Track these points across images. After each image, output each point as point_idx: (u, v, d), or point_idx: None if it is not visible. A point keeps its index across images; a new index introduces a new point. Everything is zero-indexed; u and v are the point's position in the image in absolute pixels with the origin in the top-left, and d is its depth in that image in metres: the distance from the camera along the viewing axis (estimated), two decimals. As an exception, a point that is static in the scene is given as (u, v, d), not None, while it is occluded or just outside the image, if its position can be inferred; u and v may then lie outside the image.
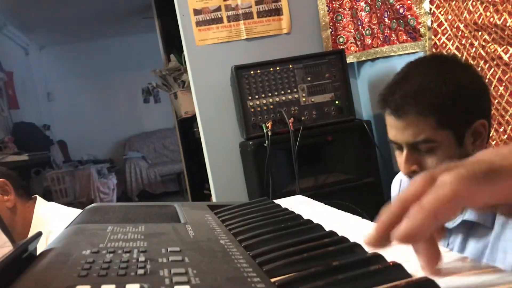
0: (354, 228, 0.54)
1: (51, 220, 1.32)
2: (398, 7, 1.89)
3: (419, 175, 0.34)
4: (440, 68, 0.92)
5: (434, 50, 1.73)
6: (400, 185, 1.11)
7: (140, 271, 0.34)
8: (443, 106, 0.86)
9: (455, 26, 1.62)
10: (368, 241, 0.33)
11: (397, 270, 0.35)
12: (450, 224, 0.89)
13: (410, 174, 0.90)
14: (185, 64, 2.43)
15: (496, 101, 1.48)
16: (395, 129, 0.90)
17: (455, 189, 0.30)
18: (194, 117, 2.69)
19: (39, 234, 0.45)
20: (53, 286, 0.32)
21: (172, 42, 3.65)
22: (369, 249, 0.40)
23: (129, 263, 0.36)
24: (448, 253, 0.40)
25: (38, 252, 0.42)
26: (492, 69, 1.47)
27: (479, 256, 0.84)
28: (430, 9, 1.73)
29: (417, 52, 1.84)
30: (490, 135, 1.56)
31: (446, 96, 0.86)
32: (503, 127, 1.49)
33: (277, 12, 2.24)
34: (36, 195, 1.43)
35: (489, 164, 0.31)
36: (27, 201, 1.37)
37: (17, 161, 4.63)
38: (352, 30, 2.25)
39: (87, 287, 0.31)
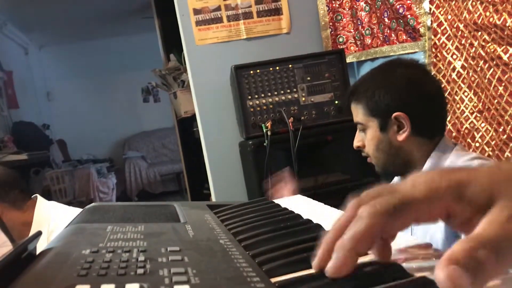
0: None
1: (52, 220, 1.32)
2: (398, 7, 1.89)
3: (350, 201, 0.39)
4: (381, 68, 1.17)
5: (433, 50, 1.73)
6: None
7: (140, 271, 0.34)
8: (367, 98, 1.11)
9: (455, 26, 1.62)
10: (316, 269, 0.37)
11: (397, 270, 0.35)
12: None
13: (357, 148, 1.18)
14: (185, 64, 2.43)
15: (496, 101, 1.48)
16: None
17: (368, 224, 0.34)
18: (193, 116, 2.69)
19: (38, 234, 0.45)
20: (53, 286, 0.32)
21: (172, 42, 3.66)
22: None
23: (128, 263, 0.36)
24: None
25: (38, 252, 0.42)
26: (492, 69, 1.48)
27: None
28: (430, 9, 1.73)
29: (416, 52, 1.84)
30: (490, 135, 1.56)
31: (370, 90, 1.10)
32: (502, 127, 1.49)
33: (277, 11, 2.24)
34: (37, 195, 1.43)
35: (402, 196, 0.35)
36: (22, 206, 1.35)
37: (16, 161, 4.62)
38: (352, 30, 2.25)
39: (86, 286, 0.31)
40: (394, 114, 1.07)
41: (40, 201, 1.39)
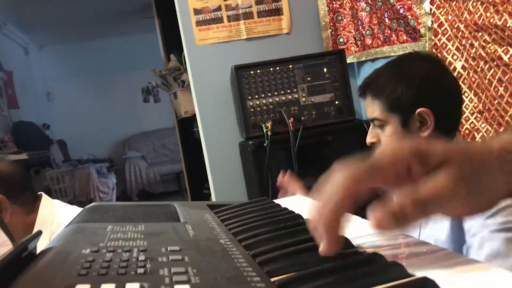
0: (354, 228, 0.54)
1: (55, 219, 1.32)
2: (398, 7, 1.89)
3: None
4: (399, 61, 1.12)
5: (434, 50, 1.73)
6: None
7: (140, 270, 0.34)
8: (387, 93, 1.05)
9: (455, 26, 1.62)
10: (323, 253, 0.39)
11: (397, 270, 0.35)
12: None
13: (370, 145, 1.11)
14: (185, 64, 2.43)
15: (496, 101, 1.48)
16: (366, 108, 1.13)
17: (344, 184, 0.39)
18: (193, 116, 2.69)
19: (39, 233, 0.45)
20: (53, 285, 0.32)
21: (172, 42, 3.66)
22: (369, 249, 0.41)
23: (129, 262, 0.36)
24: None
25: (38, 251, 0.42)
26: (492, 70, 1.48)
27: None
28: (431, 9, 1.73)
29: (417, 52, 1.84)
30: (490, 136, 1.56)
31: (390, 85, 1.05)
32: (503, 128, 1.49)
33: (277, 12, 2.24)
34: (42, 193, 1.42)
35: (370, 161, 0.40)
36: (31, 211, 1.35)
37: (16, 160, 4.62)
38: (352, 30, 2.25)
39: (87, 286, 0.31)
40: (418, 109, 1.03)
41: (45, 199, 1.39)
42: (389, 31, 1.99)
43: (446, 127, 1.05)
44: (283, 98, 1.98)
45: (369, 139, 1.12)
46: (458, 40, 1.62)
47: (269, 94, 1.97)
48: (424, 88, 1.04)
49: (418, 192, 0.38)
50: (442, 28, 1.69)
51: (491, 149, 0.41)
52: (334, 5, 2.26)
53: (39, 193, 1.41)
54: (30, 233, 1.22)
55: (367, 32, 2.14)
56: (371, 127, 1.12)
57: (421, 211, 0.38)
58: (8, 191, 1.28)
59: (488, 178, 0.40)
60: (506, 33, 1.40)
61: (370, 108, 1.10)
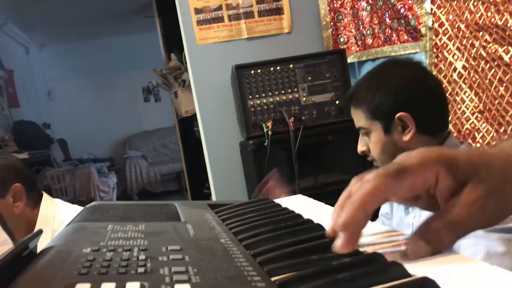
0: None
1: (56, 218, 1.32)
2: (399, 7, 1.89)
3: (353, 178, 0.43)
4: (376, 70, 1.15)
5: (435, 50, 1.73)
6: None
7: (141, 269, 0.34)
8: (367, 102, 1.09)
9: (456, 26, 1.62)
10: (336, 249, 0.39)
11: (397, 270, 0.35)
12: None
13: (361, 153, 1.14)
14: (186, 63, 2.43)
15: (497, 101, 1.48)
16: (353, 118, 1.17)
17: (375, 183, 0.38)
18: (194, 116, 2.69)
19: (39, 232, 0.45)
20: (54, 284, 0.32)
21: (173, 41, 3.66)
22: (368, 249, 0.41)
23: (129, 261, 0.36)
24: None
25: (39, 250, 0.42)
26: (493, 70, 1.47)
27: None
28: (431, 9, 1.73)
29: (417, 52, 1.84)
30: (491, 135, 1.56)
31: (369, 94, 1.09)
32: (503, 128, 1.48)
33: (278, 11, 2.24)
34: (43, 192, 1.42)
35: (398, 165, 0.39)
36: (35, 206, 1.36)
37: (17, 160, 4.62)
38: (353, 30, 2.25)
39: (87, 285, 0.31)
40: (397, 114, 1.05)
41: (46, 198, 1.39)
42: (389, 31, 1.99)
43: (431, 129, 1.07)
44: (284, 97, 1.98)
45: (359, 148, 1.15)
46: (458, 40, 1.62)
47: (270, 94, 1.97)
48: (401, 93, 1.06)
49: (451, 213, 0.38)
50: (443, 28, 1.69)
51: (507, 157, 0.40)
52: (335, 5, 2.26)
53: (41, 192, 1.42)
54: (31, 229, 1.23)
55: (368, 31, 2.14)
56: (360, 136, 1.15)
57: (455, 233, 0.38)
58: (24, 183, 1.30)
59: (509, 187, 0.39)
60: (506, 33, 1.39)
61: (355, 118, 1.14)
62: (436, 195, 0.40)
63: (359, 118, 1.12)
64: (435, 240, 0.38)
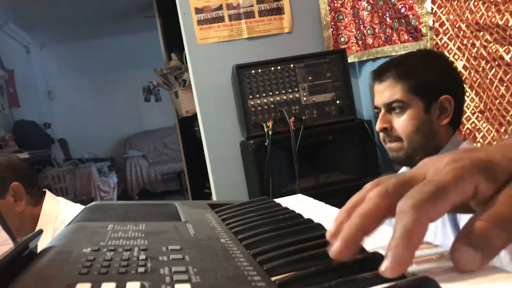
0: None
1: (59, 216, 1.32)
2: (399, 6, 1.89)
3: (368, 183, 0.39)
4: (422, 52, 1.17)
5: (435, 50, 1.73)
6: None
7: (141, 269, 0.34)
8: (416, 75, 1.05)
9: (457, 26, 1.62)
10: (333, 255, 0.35)
11: (398, 269, 0.35)
12: None
13: (382, 131, 1.10)
14: (186, 63, 2.43)
15: (497, 101, 1.48)
16: (378, 94, 1.11)
17: (375, 203, 0.35)
18: (194, 116, 2.69)
19: (39, 232, 0.45)
20: (54, 284, 0.32)
21: (173, 41, 3.66)
22: (369, 248, 0.41)
23: (129, 261, 0.36)
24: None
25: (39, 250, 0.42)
26: (494, 69, 1.47)
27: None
28: (432, 9, 1.73)
29: (418, 52, 1.84)
30: (491, 135, 1.55)
31: (420, 69, 1.06)
32: (504, 128, 1.48)
33: (279, 11, 2.24)
34: (46, 190, 1.42)
35: (436, 182, 0.33)
36: (37, 203, 1.36)
37: (17, 159, 4.62)
38: (354, 30, 2.25)
39: (87, 284, 0.31)
40: (443, 96, 1.04)
41: (49, 195, 1.39)
42: (390, 31, 1.98)
43: (456, 121, 1.08)
44: (284, 97, 1.98)
45: (380, 125, 1.10)
46: (459, 39, 1.62)
47: (270, 94, 1.97)
48: (450, 77, 1.07)
49: (497, 209, 0.32)
50: (444, 28, 1.69)
51: None
52: (336, 4, 2.26)
53: (43, 189, 1.42)
54: (34, 226, 1.23)
55: (369, 31, 2.14)
56: (382, 113, 1.10)
57: (508, 230, 0.31)
58: (23, 181, 1.30)
59: None
60: (507, 33, 1.39)
61: (389, 91, 1.07)
62: (471, 204, 0.35)
63: (395, 91, 1.07)
64: (484, 243, 0.31)
